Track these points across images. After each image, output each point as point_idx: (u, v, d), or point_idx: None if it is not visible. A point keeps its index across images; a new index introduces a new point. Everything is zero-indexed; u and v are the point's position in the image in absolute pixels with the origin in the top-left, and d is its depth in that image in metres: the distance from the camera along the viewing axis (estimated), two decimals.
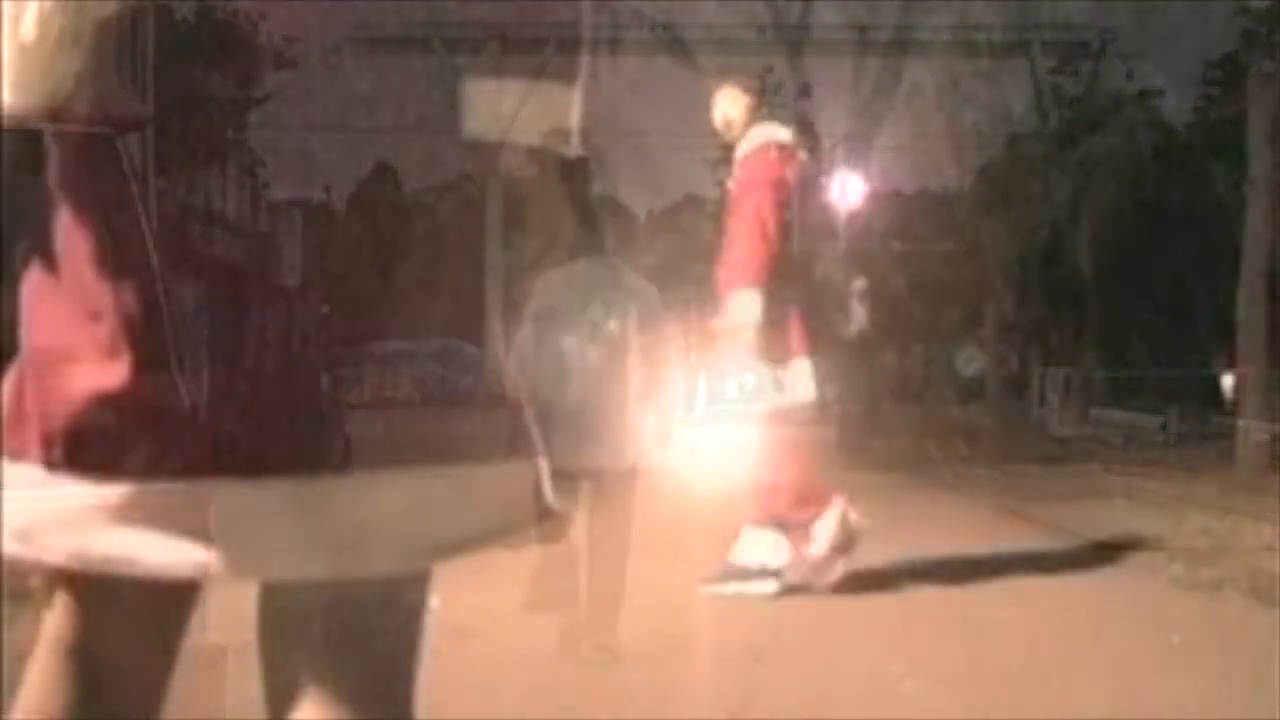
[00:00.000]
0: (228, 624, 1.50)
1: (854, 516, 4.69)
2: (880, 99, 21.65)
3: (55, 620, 1.24)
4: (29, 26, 1.16)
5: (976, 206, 24.23)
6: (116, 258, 1.13)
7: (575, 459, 3.38)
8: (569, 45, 1.26)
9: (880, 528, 4.77)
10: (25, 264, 1.21)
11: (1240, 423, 12.23)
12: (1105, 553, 5.78)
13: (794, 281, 4.80)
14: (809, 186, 5.23)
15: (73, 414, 1.14)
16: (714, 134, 5.34)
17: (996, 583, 4.94)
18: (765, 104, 5.04)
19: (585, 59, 1.25)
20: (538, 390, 1.14)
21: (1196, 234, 23.48)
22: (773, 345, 4.72)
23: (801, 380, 4.75)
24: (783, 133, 4.95)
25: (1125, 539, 6.12)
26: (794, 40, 21.63)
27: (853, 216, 19.15)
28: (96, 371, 1.13)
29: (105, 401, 1.12)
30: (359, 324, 1.15)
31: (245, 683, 1.32)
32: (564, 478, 1.26)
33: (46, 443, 1.15)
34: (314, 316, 1.13)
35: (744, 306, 4.67)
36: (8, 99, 1.19)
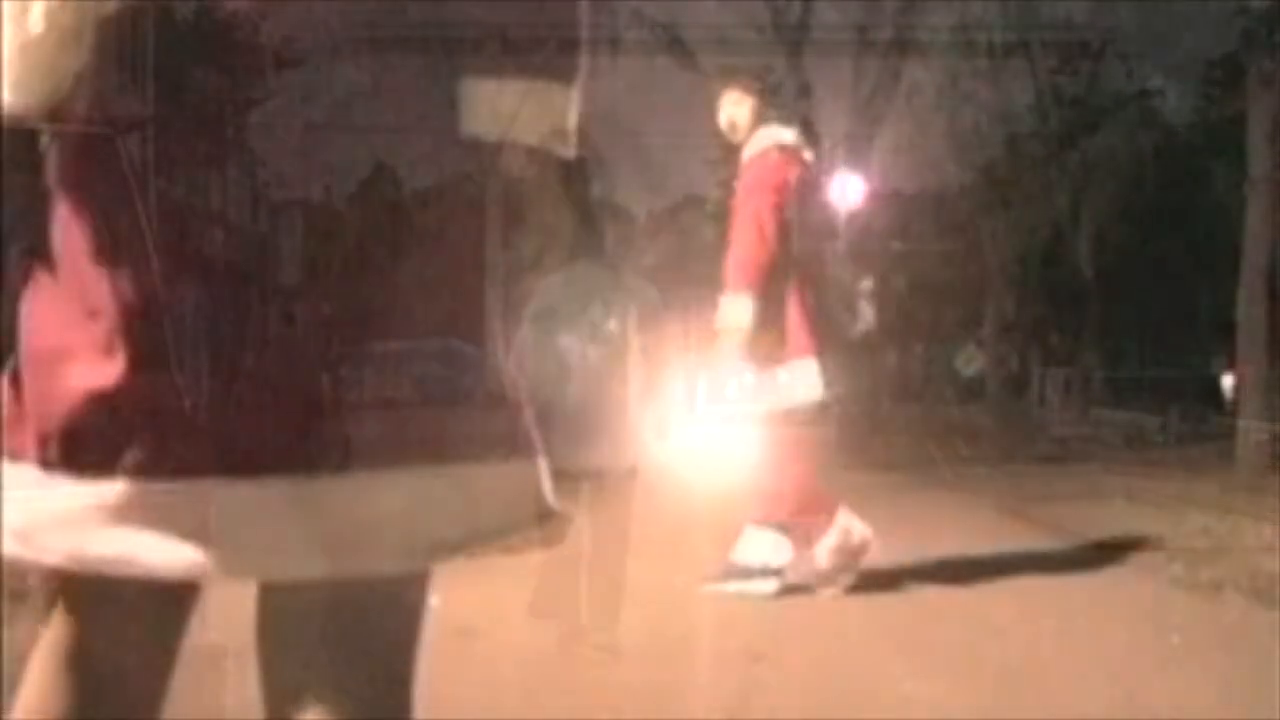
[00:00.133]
0: (228, 624, 1.50)
1: (859, 530, 4.68)
2: (880, 99, 21.65)
3: (55, 620, 1.24)
4: (35, 22, 1.16)
5: (976, 206, 24.24)
6: (115, 256, 1.13)
7: (575, 459, 3.38)
8: (569, 45, 1.25)
9: (880, 528, 4.77)
10: (23, 263, 1.21)
11: (1240, 423, 12.23)
12: (1105, 553, 5.78)
13: (798, 283, 4.80)
14: (813, 187, 5.22)
15: (69, 413, 1.14)
16: (715, 134, 5.34)
17: (996, 583, 4.95)
18: (771, 106, 5.02)
19: (585, 59, 1.25)
20: (538, 390, 1.15)
21: (1196, 234, 23.50)
22: (766, 348, 4.73)
23: (807, 381, 4.74)
24: (787, 135, 4.95)
25: (1125, 539, 6.12)
26: (794, 40, 21.63)
27: (853, 216, 19.14)
28: (94, 370, 1.13)
29: (102, 401, 1.12)
30: (359, 324, 1.14)
31: (245, 683, 1.32)
32: (564, 478, 1.26)
33: (43, 442, 1.15)
34: (313, 316, 1.13)
35: (736, 310, 4.69)
36: (7, 98, 1.19)
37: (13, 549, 1.16)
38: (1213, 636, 4.09)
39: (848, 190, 18.55)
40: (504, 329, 1.25)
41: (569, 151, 1.25)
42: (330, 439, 1.12)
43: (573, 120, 1.24)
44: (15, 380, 1.20)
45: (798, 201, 4.88)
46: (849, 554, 4.65)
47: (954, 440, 18.34)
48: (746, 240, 4.74)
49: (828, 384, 4.77)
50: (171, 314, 1.12)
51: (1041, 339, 31.42)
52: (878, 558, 4.82)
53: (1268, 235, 12.31)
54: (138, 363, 1.11)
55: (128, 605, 1.21)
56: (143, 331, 1.11)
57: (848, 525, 4.69)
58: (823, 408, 4.84)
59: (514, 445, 1.22)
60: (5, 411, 1.20)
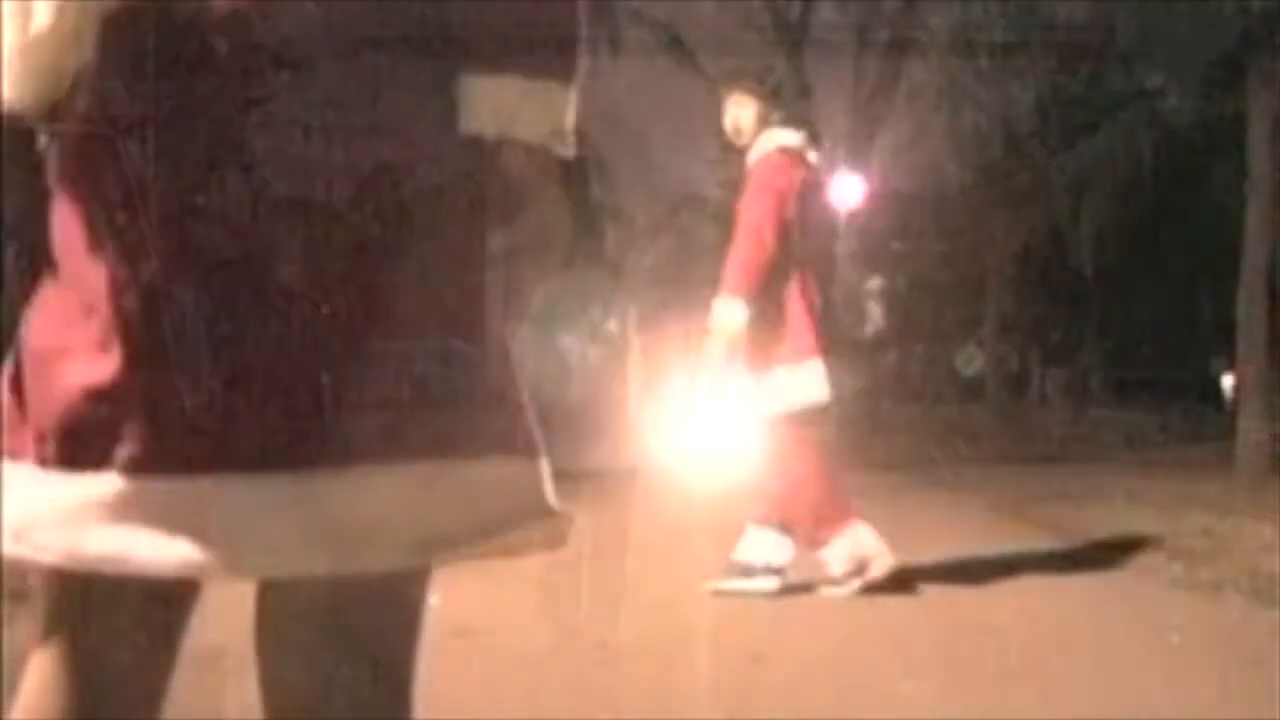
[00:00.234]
0: (228, 624, 1.50)
1: (872, 541, 4.68)
2: (880, 99, 21.66)
3: (55, 620, 1.24)
4: (35, 21, 1.16)
5: (976, 206, 24.24)
6: (112, 254, 1.13)
7: (575, 459, 3.38)
8: (569, 44, 1.25)
9: (879, 528, 4.76)
10: (24, 262, 1.22)
11: (1240, 423, 12.22)
12: (1105, 553, 5.78)
13: (802, 284, 4.80)
14: (818, 189, 5.22)
15: (67, 410, 1.14)
16: (715, 134, 5.34)
17: (996, 583, 4.95)
18: (776, 109, 5.01)
19: (585, 59, 1.25)
20: (537, 390, 1.15)
21: (1196, 234, 23.50)
22: (762, 350, 4.73)
23: (811, 381, 4.74)
24: (792, 137, 4.95)
25: (1125, 539, 6.12)
26: (794, 40, 21.63)
27: (853, 216, 19.15)
28: (91, 367, 1.13)
29: (100, 398, 1.12)
30: (358, 322, 1.14)
31: (245, 683, 1.32)
32: (564, 478, 1.26)
33: (41, 439, 1.15)
34: (313, 314, 1.13)
35: (728, 313, 4.71)
36: (7, 96, 1.19)
37: (11, 548, 1.16)
38: (1213, 636, 4.09)
39: (848, 190, 18.56)
40: (504, 328, 1.25)
41: (568, 151, 1.25)
42: (330, 436, 1.12)
43: (571, 120, 1.25)
44: (14, 378, 1.20)
45: (803, 203, 4.89)
46: (859, 563, 4.65)
47: (954, 440, 18.34)
48: (747, 245, 4.75)
49: (833, 384, 4.77)
50: (170, 312, 1.12)
51: (1041, 339, 31.43)
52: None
53: (1268, 235, 12.30)
54: (136, 360, 1.11)
55: (127, 605, 1.21)
56: (141, 329, 1.11)
57: (861, 535, 4.68)
58: (824, 408, 4.84)
59: (516, 444, 1.22)
60: (4, 410, 1.20)
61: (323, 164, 1.13)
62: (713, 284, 4.93)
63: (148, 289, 1.12)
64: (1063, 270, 25.86)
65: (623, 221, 27.10)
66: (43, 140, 1.22)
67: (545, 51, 1.22)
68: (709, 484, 5.50)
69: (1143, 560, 5.56)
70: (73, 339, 1.15)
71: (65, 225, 1.17)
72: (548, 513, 1.23)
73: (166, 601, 1.24)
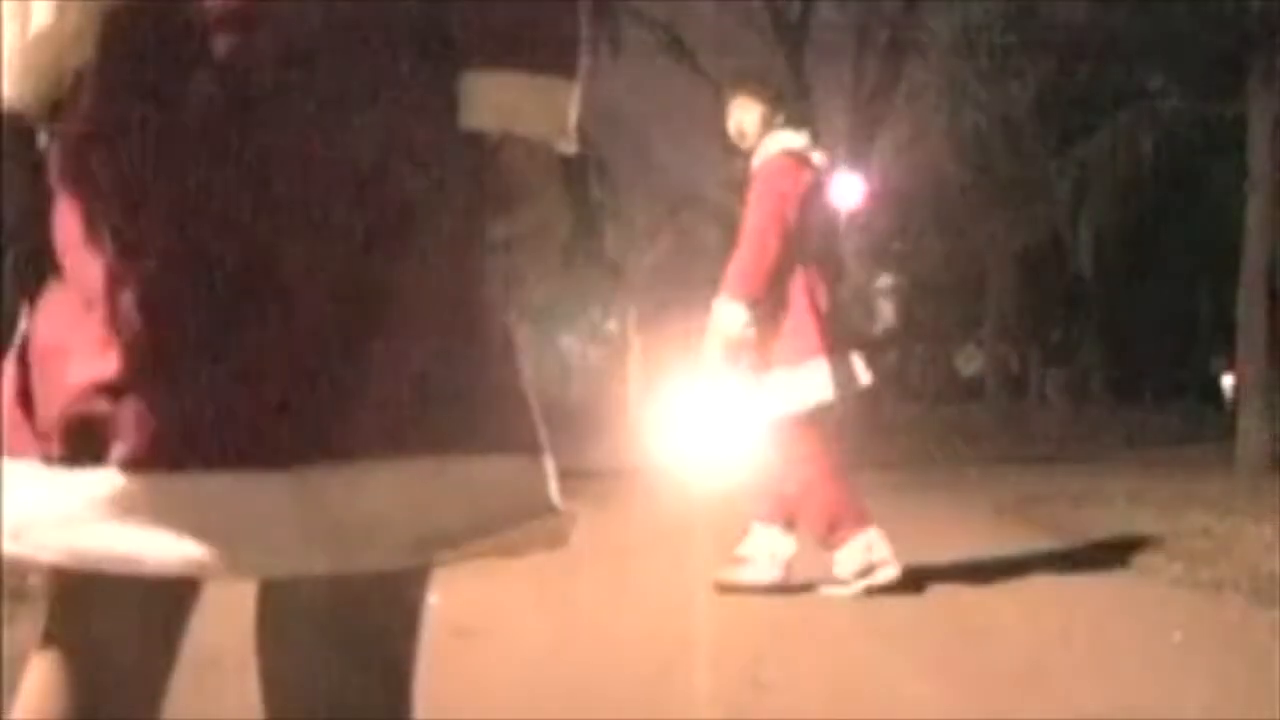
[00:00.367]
0: (228, 624, 1.50)
1: (884, 549, 4.68)
2: (880, 99, 21.66)
3: (55, 620, 1.24)
4: (35, 21, 1.16)
5: (976, 206, 24.24)
6: (114, 252, 1.13)
7: (575, 459, 3.38)
8: (570, 42, 1.25)
9: (879, 528, 4.76)
10: (24, 261, 1.21)
11: (1240, 422, 12.23)
12: (1105, 553, 5.78)
13: (808, 285, 4.80)
14: (823, 190, 5.21)
15: (70, 408, 1.14)
16: (715, 135, 5.34)
17: (996, 583, 4.95)
18: (780, 111, 5.00)
19: (585, 59, 1.25)
20: (538, 390, 1.14)
21: (1196, 234, 23.50)
22: (762, 352, 4.74)
23: (816, 382, 4.74)
24: (797, 140, 4.95)
25: (1125, 539, 6.12)
26: (794, 40, 21.64)
27: (853, 216, 19.16)
28: (93, 365, 1.13)
29: (101, 395, 1.12)
30: (359, 319, 1.14)
31: (245, 683, 1.32)
32: (564, 477, 1.26)
33: (46, 437, 1.15)
34: (314, 311, 1.13)
35: (728, 316, 4.71)
36: (7, 95, 1.19)
37: (11, 547, 1.16)
38: (1213, 636, 4.09)
39: (848, 190, 18.55)
40: (508, 324, 1.25)
41: (571, 147, 1.25)
42: (330, 434, 1.12)
43: (575, 116, 1.24)
44: (17, 377, 1.20)
45: (808, 204, 4.89)
46: (866, 568, 4.65)
47: (954, 440, 18.37)
48: (751, 249, 4.75)
49: (837, 385, 4.77)
50: (170, 309, 1.12)
51: (1041, 339, 31.45)
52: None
53: (1268, 235, 12.31)
54: (136, 357, 1.11)
55: (127, 604, 1.21)
56: (141, 327, 1.11)
57: (874, 541, 4.68)
58: (828, 408, 4.84)
59: (518, 441, 1.22)
60: (6, 408, 1.20)
61: (323, 162, 1.13)
62: (713, 284, 4.93)
63: (148, 286, 1.12)
64: (1063, 270, 25.86)
65: (623, 221, 27.12)
66: (43, 140, 1.21)
67: (548, 48, 1.22)
68: (709, 484, 5.50)
69: (1143, 560, 5.56)
70: (74, 336, 1.15)
71: (66, 223, 1.17)
72: (550, 511, 1.23)
73: (166, 601, 1.23)
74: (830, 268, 5.07)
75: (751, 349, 4.76)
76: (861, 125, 21.44)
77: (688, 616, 4.35)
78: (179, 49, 1.12)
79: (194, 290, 1.11)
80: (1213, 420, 19.82)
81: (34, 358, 1.19)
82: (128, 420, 1.11)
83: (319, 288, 1.12)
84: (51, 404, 1.16)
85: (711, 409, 5.03)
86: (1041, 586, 4.98)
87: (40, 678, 1.22)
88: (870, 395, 5.26)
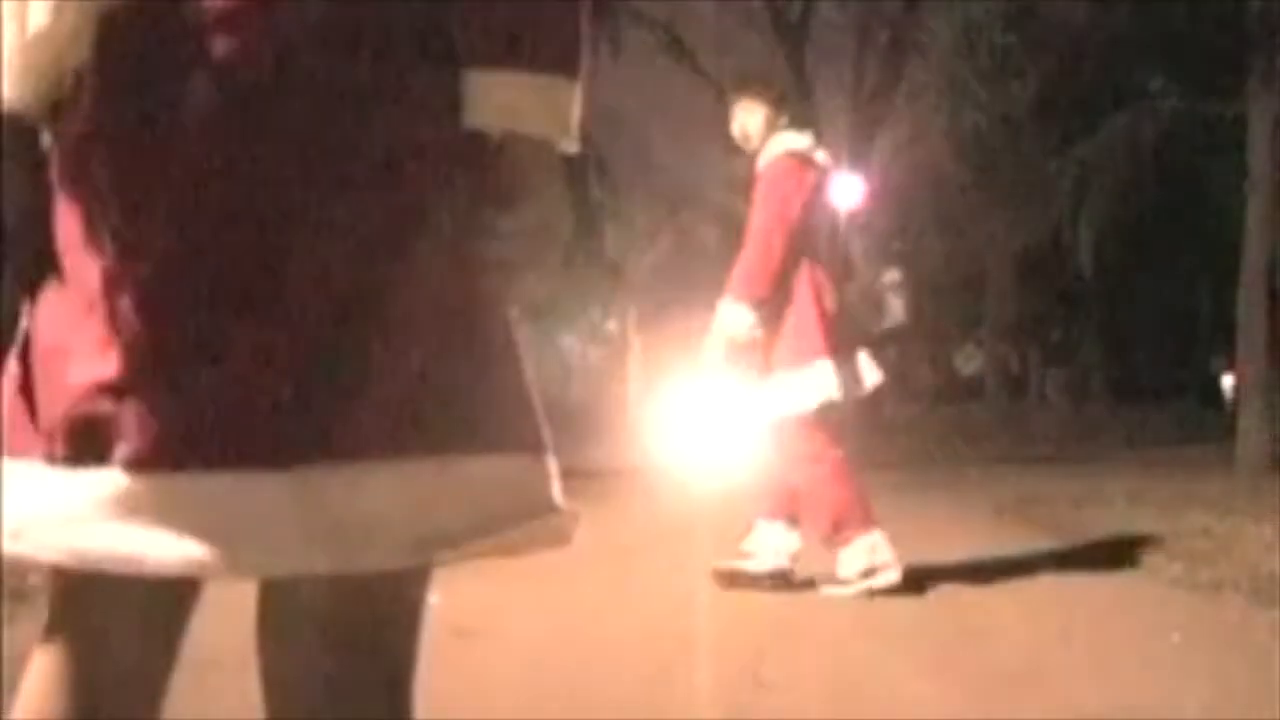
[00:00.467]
0: (228, 624, 1.50)
1: (887, 553, 4.68)
2: (880, 99, 21.66)
3: (55, 620, 1.24)
4: (35, 20, 1.16)
5: (976, 206, 24.23)
6: (114, 252, 1.13)
7: (575, 459, 3.38)
8: (572, 41, 1.25)
9: (879, 528, 4.76)
10: (26, 260, 1.21)
11: (1240, 422, 12.22)
12: (1105, 553, 5.78)
13: (813, 285, 4.79)
14: (827, 190, 5.22)
15: (72, 408, 1.14)
16: (724, 138, 5.34)
17: (996, 582, 4.95)
18: (784, 112, 5.00)
19: (585, 59, 1.25)
20: (538, 390, 1.14)
21: (1196, 234, 23.49)
22: (768, 353, 4.74)
23: (821, 382, 4.74)
24: (801, 141, 4.95)
25: (1125, 539, 6.12)
26: (794, 40, 21.64)
27: (853, 216, 19.14)
28: (94, 365, 1.13)
29: (102, 395, 1.12)
30: (360, 318, 1.14)
31: (245, 683, 1.32)
32: (564, 477, 1.26)
33: (49, 437, 1.16)
34: (314, 310, 1.13)
35: (733, 318, 4.71)
36: (7, 95, 1.19)
37: (11, 547, 1.16)
38: (1213, 636, 4.09)
39: (848, 190, 18.55)
40: (510, 323, 1.25)
41: (573, 146, 1.25)
42: (330, 433, 1.12)
43: (577, 115, 1.24)
44: (19, 376, 1.20)
45: (813, 205, 4.89)
46: (869, 570, 4.66)
47: (954, 440, 18.37)
48: (755, 250, 4.75)
49: (843, 385, 4.77)
50: (170, 309, 1.12)
51: (1041, 339, 31.45)
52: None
53: (1268, 235, 12.30)
54: (137, 357, 1.11)
55: (127, 604, 1.21)
56: (141, 326, 1.11)
57: (879, 544, 4.68)
58: (832, 408, 4.84)
59: (520, 440, 1.22)
60: (7, 408, 1.21)
61: (324, 161, 1.13)
62: (713, 284, 4.93)
63: (148, 286, 1.12)
64: (1063, 270, 25.84)
65: (623, 221, 27.12)
66: (47, 140, 1.21)
67: (550, 47, 1.22)
68: (709, 484, 5.50)
69: (1143, 560, 5.56)
70: (76, 337, 1.15)
71: (66, 224, 1.17)
72: (552, 510, 1.23)
73: (167, 601, 1.23)
74: (838, 268, 5.07)
75: (757, 349, 4.77)
76: (862, 125, 21.43)
77: (688, 616, 4.35)
78: (177, 49, 1.12)
79: (194, 290, 1.11)
80: (1213, 420, 19.81)
81: (35, 358, 1.19)
82: (130, 420, 1.11)
83: (320, 287, 1.12)
84: (54, 404, 1.16)
85: (712, 409, 5.03)
86: (1041, 586, 4.98)
87: (41, 677, 1.22)
88: (870, 395, 5.24)
